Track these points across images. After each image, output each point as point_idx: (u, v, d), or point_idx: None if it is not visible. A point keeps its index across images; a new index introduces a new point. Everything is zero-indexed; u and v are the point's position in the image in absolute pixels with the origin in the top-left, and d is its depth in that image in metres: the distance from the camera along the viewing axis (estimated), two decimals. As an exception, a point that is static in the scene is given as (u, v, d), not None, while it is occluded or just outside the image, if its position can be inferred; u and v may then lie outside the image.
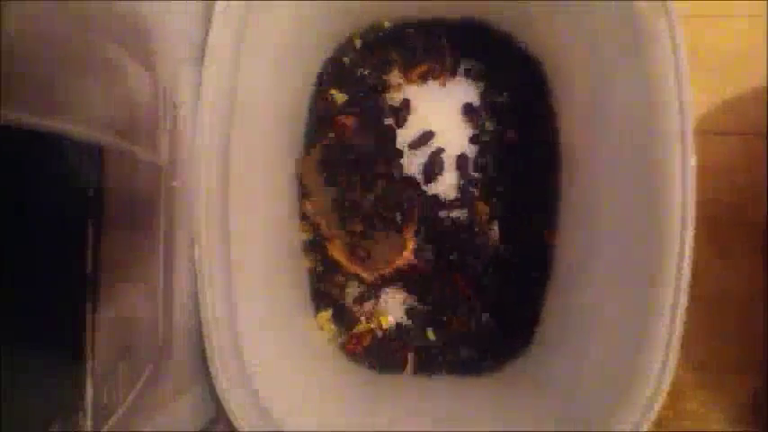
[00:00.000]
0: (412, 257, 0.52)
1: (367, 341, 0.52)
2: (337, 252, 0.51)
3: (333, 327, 0.52)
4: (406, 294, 0.53)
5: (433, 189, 0.53)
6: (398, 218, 0.52)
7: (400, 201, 0.51)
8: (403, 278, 0.52)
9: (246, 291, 0.39)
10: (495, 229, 0.52)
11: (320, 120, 0.53)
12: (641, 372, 0.35)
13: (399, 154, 0.53)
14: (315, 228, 0.52)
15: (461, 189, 0.53)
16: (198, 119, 0.37)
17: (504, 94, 0.53)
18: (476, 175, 0.53)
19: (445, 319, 0.52)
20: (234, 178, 0.38)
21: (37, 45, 0.25)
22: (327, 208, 0.52)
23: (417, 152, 0.53)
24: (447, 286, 0.52)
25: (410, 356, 0.52)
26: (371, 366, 0.52)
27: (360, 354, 0.52)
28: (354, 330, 0.52)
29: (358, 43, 0.54)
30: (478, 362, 0.51)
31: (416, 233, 0.52)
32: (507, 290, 0.52)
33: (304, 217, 0.52)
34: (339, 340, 0.52)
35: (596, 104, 0.44)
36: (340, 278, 0.53)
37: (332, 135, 0.53)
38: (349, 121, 0.53)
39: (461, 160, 0.53)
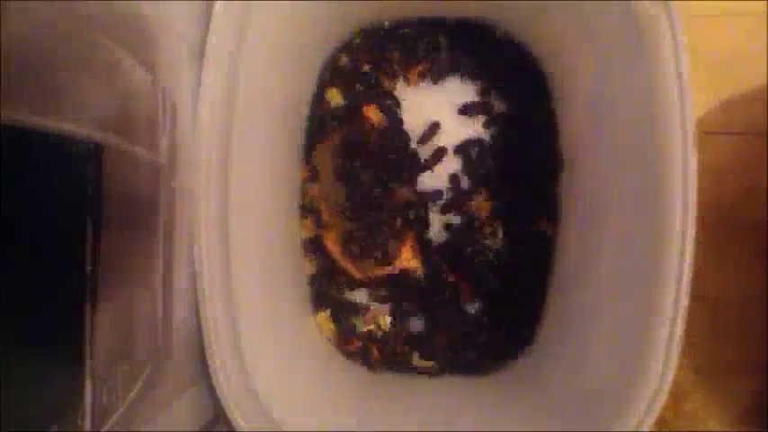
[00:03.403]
0: (407, 265, 0.51)
1: (365, 341, 0.52)
2: (331, 243, 0.51)
3: (332, 326, 0.52)
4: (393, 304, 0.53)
5: (433, 181, 0.53)
6: (399, 224, 0.51)
7: (408, 212, 0.51)
8: (395, 284, 0.52)
9: (246, 291, 0.39)
10: (497, 228, 0.52)
11: (321, 119, 0.53)
12: (643, 372, 0.35)
13: (418, 166, 0.52)
14: (315, 215, 0.51)
15: (463, 176, 0.53)
16: (198, 119, 0.37)
17: (504, 93, 0.53)
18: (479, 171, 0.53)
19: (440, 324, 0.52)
20: (234, 178, 0.38)
21: (37, 45, 0.25)
22: (332, 195, 0.51)
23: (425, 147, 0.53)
24: (444, 290, 0.52)
25: (410, 355, 0.52)
26: (371, 367, 0.51)
27: (358, 353, 0.52)
28: (353, 330, 0.52)
29: (357, 43, 0.54)
30: (479, 362, 0.51)
31: (415, 244, 0.51)
32: (508, 290, 0.52)
33: (304, 207, 0.52)
34: (338, 340, 0.52)
35: (597, 105, 0.43)
36: (339, 278, 0.53)
37: (355, 124, 0.52)
38: (375, 114, 0.52)
39: (466, 146, 0.53)
